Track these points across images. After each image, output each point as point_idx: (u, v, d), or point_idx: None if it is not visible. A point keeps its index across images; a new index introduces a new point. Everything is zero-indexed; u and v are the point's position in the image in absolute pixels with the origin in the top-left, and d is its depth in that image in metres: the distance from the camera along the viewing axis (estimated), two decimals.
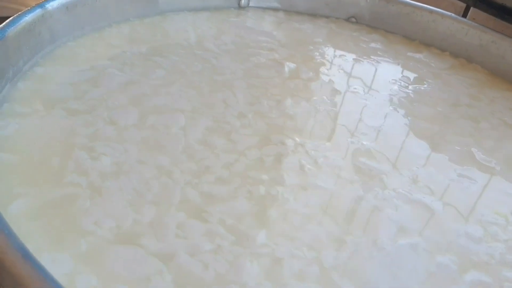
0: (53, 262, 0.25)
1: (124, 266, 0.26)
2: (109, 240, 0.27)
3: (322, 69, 0.51)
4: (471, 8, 0.64)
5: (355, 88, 0.49)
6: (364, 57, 0.56)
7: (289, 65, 0.50)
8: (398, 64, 0.56)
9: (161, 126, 0.37)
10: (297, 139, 0.39)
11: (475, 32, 0.57)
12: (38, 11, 0.41)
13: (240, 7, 0.60)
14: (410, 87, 0.52)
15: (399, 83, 0.52)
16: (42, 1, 0.43)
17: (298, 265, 0.28)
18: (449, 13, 0.59)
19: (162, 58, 0.46)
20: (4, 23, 0.38)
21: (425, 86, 0.53)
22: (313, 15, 0.64)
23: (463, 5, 0.65)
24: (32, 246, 0.22)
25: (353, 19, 0.63)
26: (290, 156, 0.36)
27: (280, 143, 0.38)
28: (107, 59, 0.44)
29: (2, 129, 0.33)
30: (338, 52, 0.56)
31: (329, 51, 0.56)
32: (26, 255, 0.21)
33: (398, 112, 0.46)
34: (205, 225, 0.29)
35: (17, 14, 0.39)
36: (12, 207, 0.28)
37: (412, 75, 0.54)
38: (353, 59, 0.55)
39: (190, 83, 0.43)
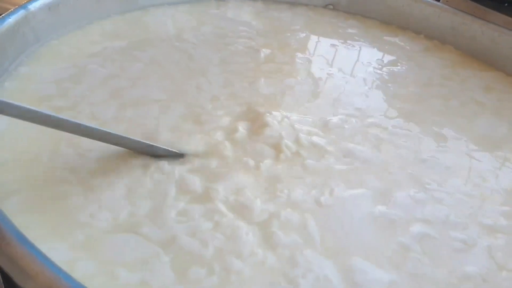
0: (51, 251, 0.25)
1: (122, 251, 0.27)
2: (106, 230, 0.29)
3: (298, 54, 0.53)
4: None
5: (330, 70, 0.51)
6: (341, 41, 0.58)
7: (265, 51, 0.52)
8: (374, 48, 0.58)
9: (137, 118, 0.39)
10: (275, 113, 0.41)
11: (446, 14, 0.59)
12: (21, 13, 0.43)
13: None
14: (384, 69, 0.54)
15: (373, 66, 0.54)
16: (26, 2, 0.45)
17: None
18: None
19: (141, 51, 0.48)
20: None
21: (399, 67, 0.55)
22: (291, 3, 0.65)
23: None
24: (29, 236, 0.24)
25: (330, 6, 0.65)
26: (269, 130, 0.39)
27: (256, 119, 0.40)
28: (89, 55, 0.46)
29: None
30: (315, 38, 0.58)
31: (306, 38, 0.58)
32: (21, 239, 0.23)
33: (373, 92, 0.49)
34: (205, 205, 0.32)
35: (0, 16, 0.41)
36: (7, 203, 0.29)
37: (387, 58, 0.56)
38: (330, 44, 0.57)
39: (166, 74, 0.45)
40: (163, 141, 0.36)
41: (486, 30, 0.57)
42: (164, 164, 0.34)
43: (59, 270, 0.21)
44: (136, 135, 0.34)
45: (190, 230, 0.30)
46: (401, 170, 0.38)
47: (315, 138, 0.39)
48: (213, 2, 0.61)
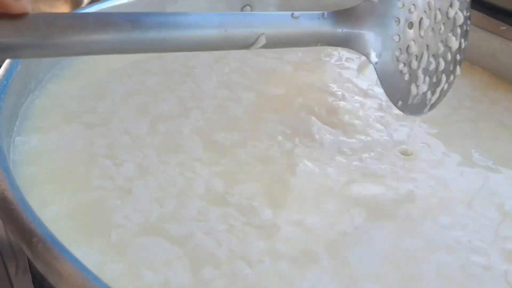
0: (84, 255, 0.27)
1: (149, 252, 0.29)
2: (136, 232, 0.31)
3: (325, 73, 0.54)
4: None
5: (354, 90, 0.51)
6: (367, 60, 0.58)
7: (289, 70, 0.53)
8: None
9: (173, 131, 0.40)
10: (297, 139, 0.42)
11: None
12: None
13: (242, 11, 0.63)
14: None
15: None
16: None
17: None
18: None
19: (160, 66, 0.49)
20: None
21: None
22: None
23: None
24: (64, 241, 0.26)
25: None
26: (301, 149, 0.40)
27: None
28: (112, 71, 0.47)
29: (25, 144, 0.37)
30: (343, 56, 0.58)
31: (333, 55, 0.58)
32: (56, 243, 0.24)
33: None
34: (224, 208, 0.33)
35: None
36: (46, 212, 0.31)
37: None
38: (356, 62, 0.57)
39: (194, 86, 0.47)
40: None
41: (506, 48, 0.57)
42: (197, 164, 0.36)
43: (88, 271, 0.23)
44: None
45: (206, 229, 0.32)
46: (427, 194, 0.38)
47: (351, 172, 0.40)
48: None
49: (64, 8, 0.74)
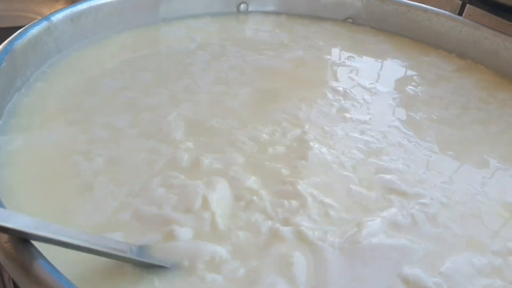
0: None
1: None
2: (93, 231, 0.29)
3: (327, 71, 0.53)
4: (467, 4, 0.65)
5: (357, 87, 0.50)
6: (370, 58, 0.57)
7: (289, 67, 0.52)
8: (405, 66, 0.57)
9: (158, 118, 0.40)
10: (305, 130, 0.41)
11: (468, 29, 0.58)
12: (44, 24, 0.44)
13: (239, 11, 0.62)
14: (419, 87, 0.52)
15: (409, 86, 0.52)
16: (49, 14, 0.45)
17: None
18: (443, 11, 0.61)
19: (157, 65, 0.48)
20: (12, 36, 0.40)
21: (434, 88, 0.53)
22: (313, 17, 0.65)
23: (459, 2, 0.66)
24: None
25: (350, 20, 0.65)
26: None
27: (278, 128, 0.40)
28: (105, 68, 0.47)
29: (8, 143, 0.35)
30: (344, 54, 0.57)
31: (335, 53, 0.57)
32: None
33: (411, 114, 0.47)
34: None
35: (24, 27, 0.42)
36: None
37: (417, 77, 0.55)
38: (358, 61, 0.56)
39: (190, 81, 0.46)
40: None
41: (509, 45, 0.56)
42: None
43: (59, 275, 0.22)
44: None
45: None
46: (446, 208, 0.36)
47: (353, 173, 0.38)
48: (234, 16, 0.61)
49: None
